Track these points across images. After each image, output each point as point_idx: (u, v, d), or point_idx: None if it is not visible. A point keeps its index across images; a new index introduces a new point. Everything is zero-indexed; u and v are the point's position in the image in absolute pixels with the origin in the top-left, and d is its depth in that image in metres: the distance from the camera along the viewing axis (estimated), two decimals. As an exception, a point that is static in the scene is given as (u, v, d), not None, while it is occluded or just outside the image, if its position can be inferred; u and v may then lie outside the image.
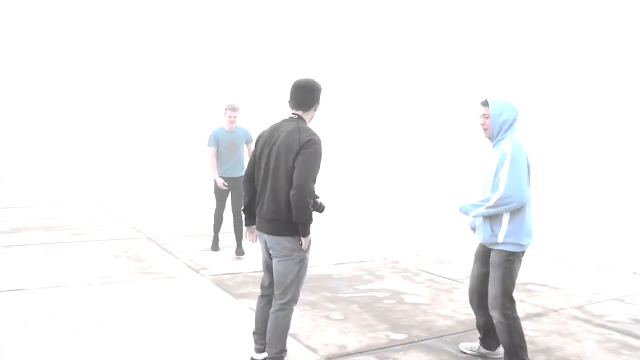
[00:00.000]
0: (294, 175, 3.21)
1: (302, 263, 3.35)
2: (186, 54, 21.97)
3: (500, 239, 3.55)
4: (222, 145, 7.17)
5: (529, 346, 4.14)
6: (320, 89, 3.47)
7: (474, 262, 3.89)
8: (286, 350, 3.49)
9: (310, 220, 3.25)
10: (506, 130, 3.60)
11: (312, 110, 3.46)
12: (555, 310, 5.08)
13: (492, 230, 3.59)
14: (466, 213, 3.63)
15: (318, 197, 3.37)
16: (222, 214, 7.49)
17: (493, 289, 3.61)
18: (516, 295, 5.53)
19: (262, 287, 3.64)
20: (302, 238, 3.29)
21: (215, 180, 7.27)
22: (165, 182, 19.34)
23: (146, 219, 10.41)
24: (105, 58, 22.07)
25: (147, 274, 6.14)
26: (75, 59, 21.76)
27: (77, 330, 4.27)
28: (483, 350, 3.96)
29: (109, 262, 6.67)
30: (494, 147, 3.69)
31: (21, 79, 21.13)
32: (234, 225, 7.28)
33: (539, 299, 5.46)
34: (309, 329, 4.45)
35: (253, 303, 5.09)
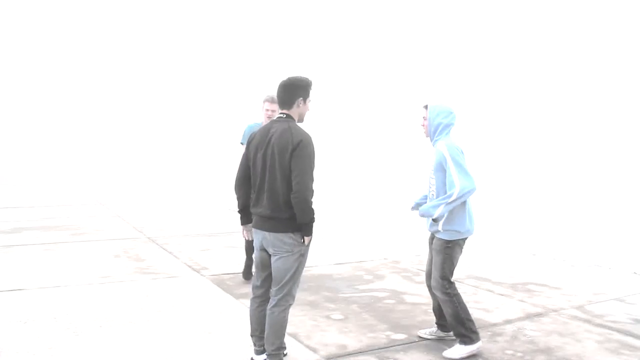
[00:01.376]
0: (293, 180, 3.27)
1: (302, 258, 3.40)
2: (186, 54, 21.97)
3: (440, 227, 3.91)
4: None
5: (529, 346, 4.15)
6: (302, 85, 3.45)
7: (429, 247, 4.19)
8: (284, 348, 3.49)
9: (313, 220, 3.33)
10: (441, 132, 4.00)
11: (295, 106, 3.44)
12: (556, 310, 5.08)
13: (434, 220, 3.93)
14: (429, 215, 3.89)
15: None
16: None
17: (434, 273, 3.97)
18: (516, 295, 5.56)
19: (253, 287, 3.63)
20: (305, 237, 3.35)
21: None
22: (166, 182, 19.34)
23: (146, 219, 10.42)
24: (106, 58, 22.06)
25: (147, 274, 6.14)
26: (75, 59, 21.75)
27: (77, 330, 4.27)
28: (441, 334, 4.24)
29: (109, 262, 6.68)
30: (433, 146, 4.07)
31: (21, 79, 21.11)
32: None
33: (539, 298, 5.46)
34: (309, 329, 4.45)
35: (253, 303, 5.10)
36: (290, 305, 3.47)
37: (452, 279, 3.99)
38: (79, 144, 22.01)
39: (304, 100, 3.46)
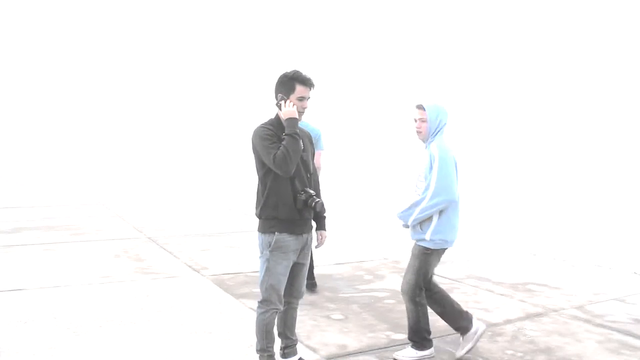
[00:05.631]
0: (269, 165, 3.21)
1: (268, 263, 3.27)
2: (187, 55, 21.96)
3: (427, 237, 3.75)
4: None
5: (529, 346, 4.15)
6: (282, 80, 3.29)
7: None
8: (268, 351, 3.37)
9: (292, 135, 3.17)
10: (436, 134, 3.83)
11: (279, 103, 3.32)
12: (556, 310, 5.08)
13: (421, 228, 3.78)
14: (405, 221, 3.83)
15: (318, 198, 3.33)
16: None
17: (408, 276, 3.84)
18: (516, 295, 5.56)
19: None
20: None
21: None
22: (166, 182, 19.34)
23: (146, 218, 10.41)
24: (106, 58, 22.06)
25: (147, 274, 6.14)
26: (75, 59, 21.75)
27: (77, 330, 4.27)
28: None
29: (109, 262, 6.67)
30: (425, 148, 3.89)
31: (21, 79, 21.11)
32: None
33: (540, 298, 5.46)
34: (309, 329, 4.44)
35: (253, 303, 5.09)
36: (271, 310, 3.32)
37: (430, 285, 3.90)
38: (79, 144, 22.02)
39: (285, 95, 3.27)
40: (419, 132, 3.88)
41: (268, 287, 3.29)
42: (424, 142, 3.90)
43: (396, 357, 3.84)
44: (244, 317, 4.71)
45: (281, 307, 3.38)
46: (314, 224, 3.51)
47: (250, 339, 4.02)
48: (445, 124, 3.85)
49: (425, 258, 3.79)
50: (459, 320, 3.93)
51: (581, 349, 4.13)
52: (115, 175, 20.93)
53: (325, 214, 3.51)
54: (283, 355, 3.56)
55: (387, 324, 4.60)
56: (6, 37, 20.60)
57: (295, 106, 3.24)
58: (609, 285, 6.03)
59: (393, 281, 6.06)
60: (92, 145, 22.44)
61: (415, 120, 3.87)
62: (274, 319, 3.37)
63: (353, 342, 4.18)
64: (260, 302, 3.35)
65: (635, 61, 8.79)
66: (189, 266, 6.61)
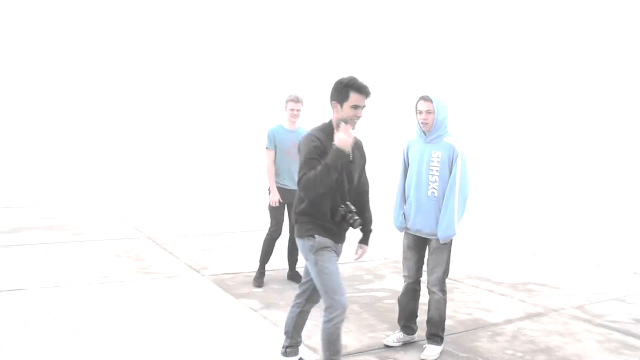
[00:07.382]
0: None
1: (317, 267, 3.13)
2: (188, 54, 21.96)
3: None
4: (280, 148, 5.67)
5: (529, 346, 4.16)
6: (335, 87, 3.22)
7: (409, 251, 4.20)
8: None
9: (317, 175, 3.01)
10: (445, 127, 3.88)
11: (334, 110, 3.23)
12: (556, 310, 5.08)
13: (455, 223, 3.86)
14: (454, 232, 3.85)
15: (357, 216, 3.20)
16: (275, 240, 5.79)
17: (439, 270, 3.95)
18: (516, 295, 5.56)
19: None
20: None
21: (269, 191, 5.73)
22: (166, 182, 19.34)
23: (146, 218, 10.41)
24: (106, 58, 22.06)
25: (147, 274, 6.14)
26: (75, 59, 21.75)
27: (77, 330, 4.27)
28: (407, 338, 4.14)
29: (109, 262, 6.67)
30: (429, 142, 3.90)
31: (21, 79, 21.12)
32: (289, 247, 5.88)
33: (540, 298, 5.46)
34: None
35: (253, 303, 5.10)
36: (335, 319, 3.08)
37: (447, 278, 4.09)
38: (79, 144, 22.03)
39: (339, 103, 3.17)
40: (425, 124, 3.86)
41: (328, 291, 3.10)
42: (425, 134, 3.90)
43: (425, 359, 3.86)
44: (244, 317, 4.71)
45: (345, 315, 3.13)
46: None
47: (251, 338, 4.02)
48: (447, 117, 3.92)
49: (450, 248, 3.96)
50: (414, 320, 4.14)
51: (581, 349, 4.13)
52: (115, 175, 20.93)
53: (371, 228, 3.49)
54: (284, 353, 3.57)
55: (387, 324, 4.60)
56: (6, 37, 20.61)
57: (349, 136, 3.07)
58: (609, 285, 6.04)
59: (393, 281, 6.06)
60: (92, 144, 22.47)
61: (422, 112, 3.86)
62: (339, 329, 3.12)
63: (353, 342, 4.18)
64: (326, 313, 3.11)
65: (635, 61, 8.79)
66: (189, 266, 6.61)
